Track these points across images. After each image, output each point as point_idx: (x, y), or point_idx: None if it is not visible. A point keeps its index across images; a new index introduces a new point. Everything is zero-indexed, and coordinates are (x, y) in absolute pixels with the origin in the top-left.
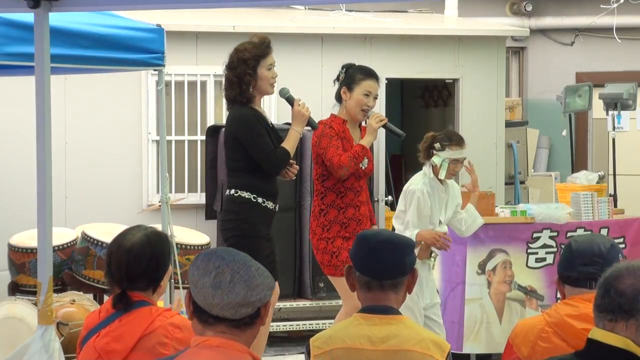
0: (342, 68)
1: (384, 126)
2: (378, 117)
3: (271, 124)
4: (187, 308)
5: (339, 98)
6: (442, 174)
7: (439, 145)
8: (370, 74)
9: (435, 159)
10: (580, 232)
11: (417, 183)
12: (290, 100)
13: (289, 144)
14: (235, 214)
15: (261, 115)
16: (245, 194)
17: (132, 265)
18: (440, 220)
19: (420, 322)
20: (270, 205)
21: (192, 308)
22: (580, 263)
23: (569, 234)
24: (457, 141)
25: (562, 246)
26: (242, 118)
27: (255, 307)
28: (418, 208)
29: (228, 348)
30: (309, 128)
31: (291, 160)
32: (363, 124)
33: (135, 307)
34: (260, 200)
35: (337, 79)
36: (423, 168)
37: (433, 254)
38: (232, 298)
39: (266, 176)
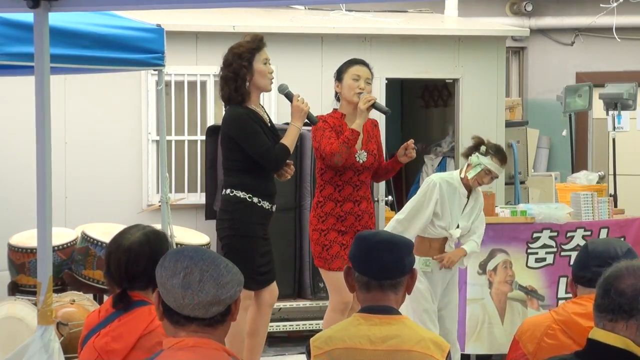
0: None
1: (371, 105)
2: (366, 99)
3: (270, 123)
4: (157, 309)
5: (336, 96)
6: (470, 174)
7: (484, 149)
8: (355, 61)
9: (474, 159)
10: (580, 232)
11: (437, 175)
12: (289, 96)
13: (288, 140)
14: (230, 214)
15: (256, 114)
16: (241, 194)
17: (132, 265)
18: (458, 225)
19: (436, 322)
20: (266, 205)
21: (161, 309)
22: (595, 264)
23: (568, 234)
24: (501, 157)
25: (562, 246)
26: (235, 117)
27: (226, 305)
28: (425, 197)
29: (203, 347)
30: (309, 128)
31: (288, 161)
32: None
33: (135, 307)
34: (255, 200)
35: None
36: (454, 171)
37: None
38: (203, 297)
39: (262, 176)
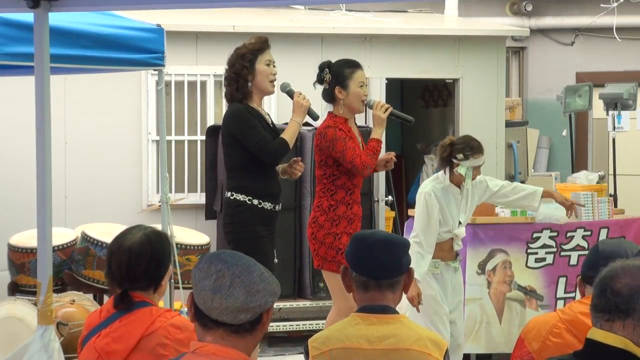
0: (321, 68)
1: (390, 114)
2: (383, 107)
3: (272, 123)
4: (189, 310)
5: (331, 98)
6: (468, 183)
7: (462, 156)
8: (356, 65)
9: (460, 170)
10: (580, 232)
11: (425, 186)
12: (290, 94)
13: (288, 134)
14: (231, 217)
15: (257, 111)
16: (240, 197)
17: (133, 265)
18: (460, 222)
19: (447, 325)
20: (267, 205)
21: (193, 310)
22: (604, 264)
23: (568, 234)
24: (477, 149)
25: (562, 246)
26: (234, 113)
27: (256, 313)
28: (427, 210)
29: (223, 356)
30: (310, 128)
31: (296, 158)
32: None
33: (136, 308)
34: (255, 202)
35: (321, 80)
36: (437, 173)
37: (459, 257)
38: (231, 303)
39: (262, 176)
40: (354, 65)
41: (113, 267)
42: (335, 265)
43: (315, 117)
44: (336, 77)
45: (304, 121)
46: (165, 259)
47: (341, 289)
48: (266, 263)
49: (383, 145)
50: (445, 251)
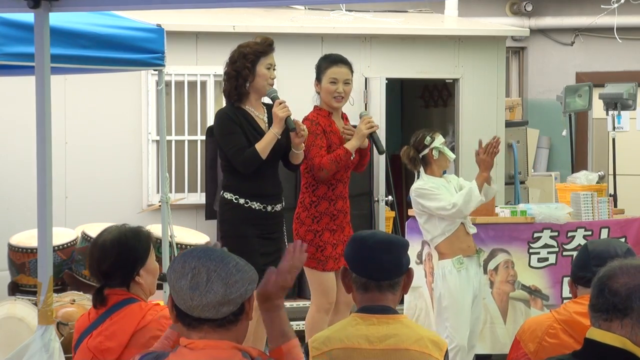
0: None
1: (370, 134)
2: (369, 123)
3: (267, 123)
4: (171, 313)
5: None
6: (451, 156)
7: (429, 139)
8: (334, 61)
9: (437, 147)
10: (580, 232)
11: (418, 186)
12: (274, 101)
13: (261, 145)
14: (221, 215)
15: (246, 114)
16: (228, 195)
17: (102, 261)
18: None
19: (465, 329)
20: (255, 205)
21: (174, 312)
22: (595, 264)
23: (569, 234)
24: (433, 129)
25: (564, 246)
26: (217, 116)
27: (237, 304)
28: (436, 193)
29: (213, 348)
30: None
31: (296, 120)
32: (344, 111)
33: (125, 305)
34: (242, 201)
35: None
36: (420, 179)
37: (481, 251)
38: (211, 298)
39: (252, 176)
40: (333, 61)
41: (89, 262)
42: (315, 262)
43: (290, 128)
44: (316, 71)
45: (281, 131)
46: (138, 254)
47: (322, 285)
48: (250, 262)
49: (382, 144)
50: (462, 241)
